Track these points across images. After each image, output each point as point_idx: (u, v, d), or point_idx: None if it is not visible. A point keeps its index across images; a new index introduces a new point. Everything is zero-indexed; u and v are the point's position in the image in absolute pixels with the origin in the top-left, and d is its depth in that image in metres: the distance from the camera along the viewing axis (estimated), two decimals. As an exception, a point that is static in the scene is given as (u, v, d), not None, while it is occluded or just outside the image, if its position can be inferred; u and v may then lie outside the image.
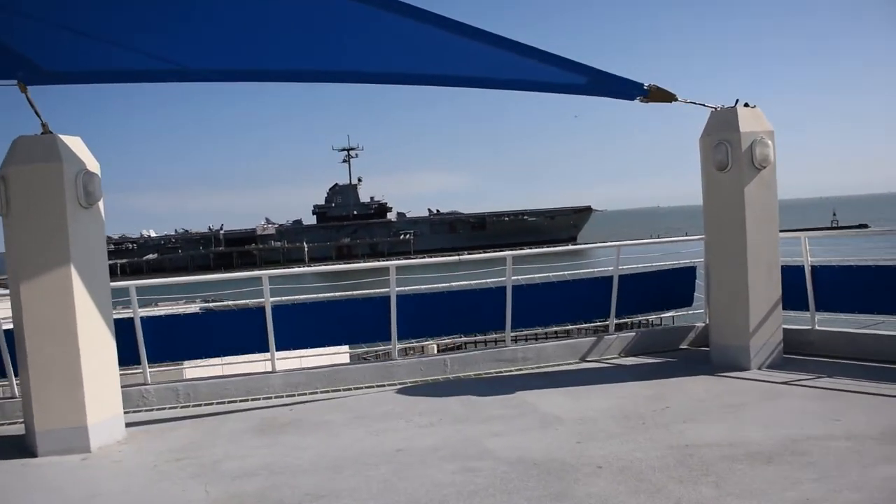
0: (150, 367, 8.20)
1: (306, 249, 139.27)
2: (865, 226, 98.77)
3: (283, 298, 8.74)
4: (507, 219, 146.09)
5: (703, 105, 8.18)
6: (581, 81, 7.47)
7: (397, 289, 8.60)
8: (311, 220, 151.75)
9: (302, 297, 9.01)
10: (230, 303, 9.30)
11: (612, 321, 9.53)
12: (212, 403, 8.13)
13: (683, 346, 9.66)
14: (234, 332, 8.46)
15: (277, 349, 8.37)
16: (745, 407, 6.75)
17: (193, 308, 21.79)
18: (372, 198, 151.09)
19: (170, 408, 8.07)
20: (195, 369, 8.97)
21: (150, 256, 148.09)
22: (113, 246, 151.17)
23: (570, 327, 9.87)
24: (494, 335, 9.69)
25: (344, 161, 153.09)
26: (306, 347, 8.79)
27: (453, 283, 9.27)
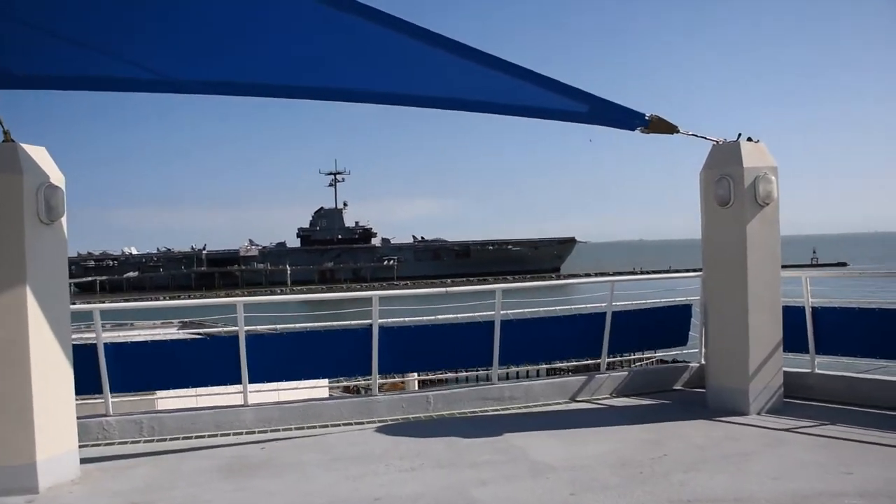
0: (113, 396, 7.67)
1: (289, 272, 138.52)
2: (844, 264, 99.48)
3: (259, 327, 8.24)
4: (491, 248, 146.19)
5: (705, 138, 7.86)
6: (582, 109, 7.15)
7: (380, 320, 8.18)
8: (294, 242, 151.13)
9: (279, 326, 8.47)
10: (204, 330, 8.84)
11: (604, 359, 9.09)
12: (178, 438, 7.59)
13: (678, 386, 9.26)
14: (204, 361, 7.95)
15: (251, 381, 7.90)
16: (747, 457, 6.33)
17: (171, 331, 21.26)
18: (357, 223, 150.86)
19: (132, 442, 7.51)
20: (168, 400, 8.39)
21: (131, 274, 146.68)
22: (94, 262, 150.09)
23: (560, 365, 9.48)
24: (480, 371, 9.24)
25: (330, 185, 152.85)
26: (281, 380, 8.31)
27: (439, 316, 8.74)
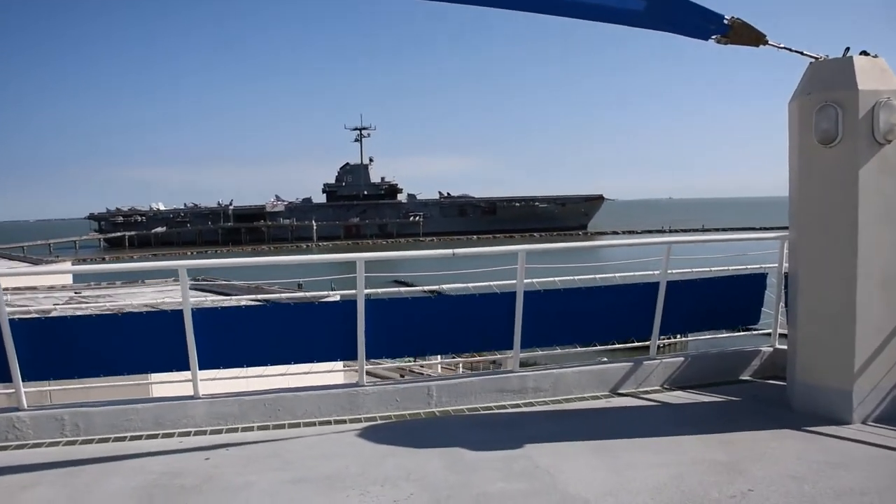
0: (28, 385, 6.02)
1: (315, 228, 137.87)
2: None
3: (211, 298, 6.53)
4: (517, 204, 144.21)
5: (801, 53, 5.88)
6: (639, 7, 5.22)
7: (367, 290, 6.45)
8: (320, 198, 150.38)
9: (239, 298, 6.78)
10: (135, 301, 7.10)
11: (655, 341, 7.23)
12: (108, 440, 5.93)
13: (745, 376, 7.40)
14: (143, 341, 6.19)
15: (203, 367, 6.22)
16: (869, 496, 4.46)
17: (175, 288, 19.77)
18: (383, 178, 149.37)
19: (49, 444, 5.87)
20: (104, 388, 6.65)
21: (159, 229, 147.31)
22: (122, 218, 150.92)
23: (598, 348, 7.59)
24: (497, 355, 7.38)
25: (356, 140, 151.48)
26: (242, 366, 6.45)
27: (444, 285, 7.31)
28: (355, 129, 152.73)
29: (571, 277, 7.02)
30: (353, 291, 6.32)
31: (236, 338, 6.29)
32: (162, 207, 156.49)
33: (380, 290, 6.94)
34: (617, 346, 7.55)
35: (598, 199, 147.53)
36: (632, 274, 7.46)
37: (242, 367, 6.43)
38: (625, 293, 7.25)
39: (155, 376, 6.68)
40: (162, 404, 6.22)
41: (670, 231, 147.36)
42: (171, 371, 6.47)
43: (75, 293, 16.63)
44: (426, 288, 6.96)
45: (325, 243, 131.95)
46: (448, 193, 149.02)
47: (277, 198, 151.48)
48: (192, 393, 6.26)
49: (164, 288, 18.20)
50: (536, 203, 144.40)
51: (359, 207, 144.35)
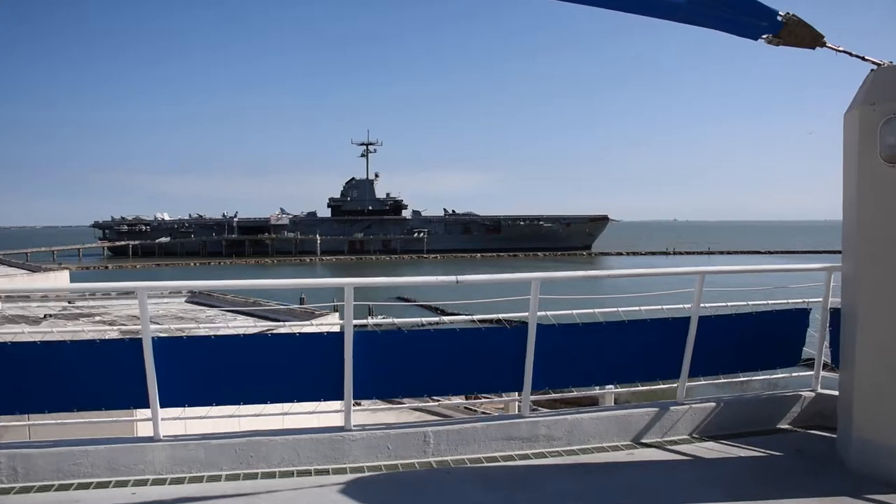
0: None
1: (319, 242, 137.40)
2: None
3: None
4: (522, 223, 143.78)
5: (862, 58, 5.09)
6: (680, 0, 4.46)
7: (362, 321, 5.60)
8: (325, 212, 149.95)
9: (211, 327, 6.01)
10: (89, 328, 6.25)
11: (684, 383, 6.34)
12: (50, 488, 5.09)
13: (783, 425, 6.55)
14: (96, 373, 5.31)
15: (165, 404, 5.36)
16: None
17: (178, 301, 19.01)
18: (388, 194, 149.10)
19: None
20: (48, 426, 5.81)
21: (163, 239, 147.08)
22: (127, 227, 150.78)
23: (618, 389, 6.73)
24: (504, 398, 6.55)
25: (362, 155, 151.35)
26: (208, 404, 5.59)
27: (446, 318, 6.37)
28: (362, 143, 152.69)
29: (592, 311, 6.14)
30: (341, 322, 5.48)
31: (205, 372, 5.40)
32: (167, 217, 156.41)
33: (370, 321, 6.04)
34: (636, 386, 6.73)
35: (602, 220, 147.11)
36: (658, 307, 6.45)
37: (211, 405, 5.58)
38: (651, 329, 6.25)
39: (110, 414, 5.62)
40: (116, 447, 5.35)
41: (674, 253, 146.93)
42: (129, 408, 5.59)
43: (69, 303, 15.99)
44: (425, 320, 6.26)
45: (328, 258, 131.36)
46: (453, 211, 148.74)
47: (282, 211, 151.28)
48: (151, 434, 5.42)
49: (162, 300, 17.56)
50: (541, 222, 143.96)
51: (363, 223, 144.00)
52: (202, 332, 5.57)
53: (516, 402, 6.17)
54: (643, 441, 6.17)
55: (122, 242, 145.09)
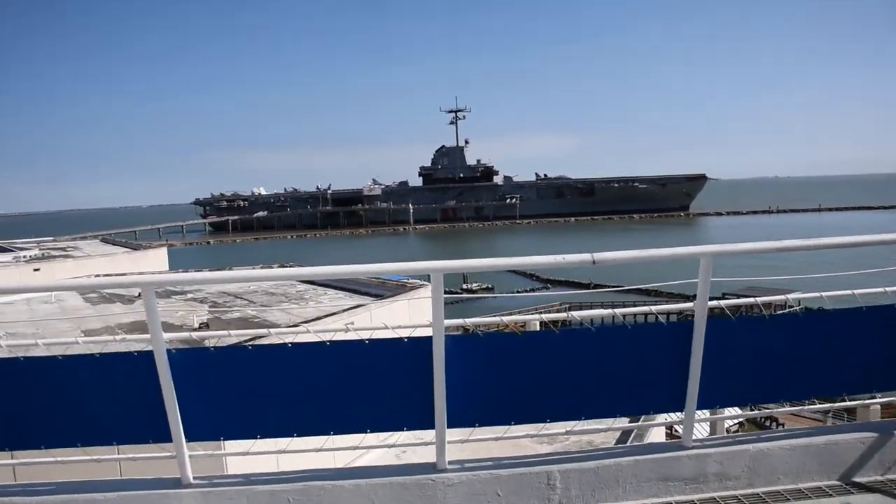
0: None
1: (412, 211, 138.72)
2: None
3: (212, 334, 4.49)
4: (616, 185, 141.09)
5: None
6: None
7: (450, 321, 4.02)
8: (417, 181, 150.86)
9: (244, 334, 4.71)
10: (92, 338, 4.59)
11: None
12: None
13: None
14: (101, 396, 4.02)
15: (193, 437, 4.05)
16: None
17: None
18: (478, 160, 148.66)
19: None
20: (48, 466, 4.22)
21: (260, 214, 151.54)
22: (226, 203, 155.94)
23: (812, 407, 4.97)
24: (656, 420, 5.35)
25: (451, 123, 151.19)
26: (250, 436, 4.16)
27: (574, 313, 4.44)
28: (451, 111, 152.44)
29: (783, 297, 4.40)
30: (426, 323, 3.97)
31: (244, 393, 4.03)
32: (263, 192, 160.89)
33: (468, 321, 4.46)
34: (837, 403, 4.94)
35: (700, 179, 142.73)
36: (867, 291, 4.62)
37: (255, 437, 4.14)
38: (871, 317, 4.41)
39: (122, 450, 4.23)
40: (131, 494, 4.01)
41: (778, 212, 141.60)
42: (147, 442, 4.07)
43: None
44: (546, 317, 4.64)
45: (421, 227, 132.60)
46: (545, 175, 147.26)
47: (374, 181, 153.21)
48: (178, 475, 4.08)
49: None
50: (636, 184, 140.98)
51: (455, 190, 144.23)
52: (234, 340, 4.37)
53: (673, 427, 4.23)
54: (857, 480, 4.45)
55: (222, 218, 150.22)
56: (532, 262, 4.03)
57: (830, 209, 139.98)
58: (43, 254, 25.65)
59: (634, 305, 48.40)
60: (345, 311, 10.32)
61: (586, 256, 3.80)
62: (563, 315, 4.40)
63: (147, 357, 3.81)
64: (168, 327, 11.41)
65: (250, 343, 4.15)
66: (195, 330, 10.52)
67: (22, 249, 27.17)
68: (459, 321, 4.33)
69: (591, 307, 48.28)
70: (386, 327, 4.04)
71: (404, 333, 3.99)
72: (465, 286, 59.85)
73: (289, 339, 3.98)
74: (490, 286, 60.84)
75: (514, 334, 4.15)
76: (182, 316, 11.21)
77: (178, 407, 3.91)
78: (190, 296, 14.13)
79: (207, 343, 4.17)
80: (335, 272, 4.23)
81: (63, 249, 28.44)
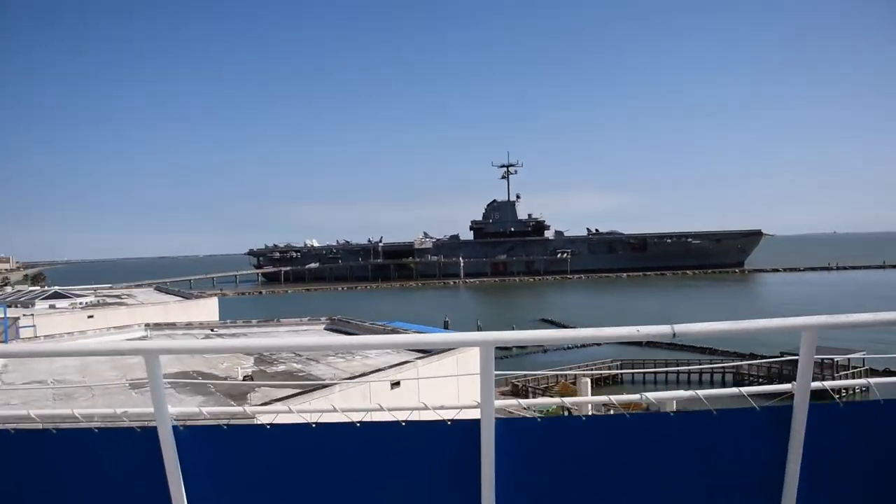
0: None
1: (462, 265, 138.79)
2: None
3: (219, 410, 3.98)
4: (669, 241, 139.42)
5: None
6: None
7: (500, 402, 3.33)
8: (467, 235, 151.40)
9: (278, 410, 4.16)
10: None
11: None
12: None
13: None
14: (95, 478, 3.31)
15: None
16: None
17: (317, 328, 19.07)
18: (529, 215, 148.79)
19: None
20: None
21: (312, 265, 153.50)
22: (279, 254, 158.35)
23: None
24: None
25: (503, 177, 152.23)
26: None
27: (649, 394, 3.51)
28: (502, 165, 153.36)
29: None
30: (475, 405, 3.22)
31: (258, 480, 3.34)
32: (316, 244, 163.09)
33: (524, 402, 3.70)
34: None
35: (756, 235, 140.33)
36: None
37: None
38: None
39: None
40: None
41: (838, 268, 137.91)
42: None
43: (212, 330, 16.61)
44: (616, 398, 3.62)
45: (471, 280, 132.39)
46: (596, 230, 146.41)
47: (426, 234, 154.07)
48: None
49: (300, 327, 17.87)
50: (689, 239, 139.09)
51: (506, 244, 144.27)
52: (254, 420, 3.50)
53: None
54: None
55: (275, 269, 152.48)
56: (599, 334, 3.16)
57: (895, 266, 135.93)
58: (98, 301, 26.10)
59: (699, 364, 46.98)
60: (392, 367, 10.08)
61: (665, 329, 3.07)
62: (635, 397, 3.62)
63: (150, 434, 3.20)
64: (214, 378, 11.44)
65: (268, 423, 3.32)
66: (240, 381, 10.40)
67: (79, 296, 27.72)
68: (513, 401, 3.61)
69: (643, 365, 47.56)
70: (426, 407, 3.38)
71: (448, 415, 3.29)
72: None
73: (313, 413, 3.36)
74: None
75: (578, 419, 3.31)
76: (227, 367, 11.11)
77: (184, 492, 3.27)
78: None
79: (219, 421, 3.46)
80: (374, 342, 3.58)
81: (118, 297, 28.92)
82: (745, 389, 3.33)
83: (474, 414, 3.16)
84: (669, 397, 3.58)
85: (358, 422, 3.24)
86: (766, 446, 3.27)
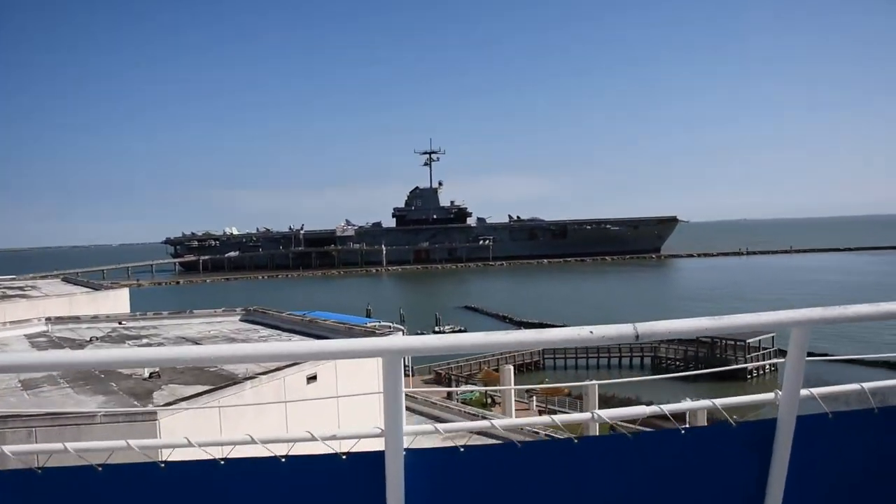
0: None
1: (384, 252, 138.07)
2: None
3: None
4: (588, 227, 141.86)
5: None
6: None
7: (411, 428, 2.52)
8: (390, 222, 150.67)
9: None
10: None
11: None
12: None
13: None
14: None
15: None
16: None
17: (233, 319, 18.28)
18: (452, 202, 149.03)
19: None
20: None
21: (232, 254, 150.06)
22: (197, 242, 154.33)
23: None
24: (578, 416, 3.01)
25: (425, 164, 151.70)
26: None
27: (599, 411, 2.64)
28: (425, 152, 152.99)
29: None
30: (377, 431, 2.44)
31: None
32: (235, 232, 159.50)
33: (441, 426, 2.60)
34: None
35: (671, 221, 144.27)
36: None
37: None
38: None
39: None
40: None
41: (748, 254, 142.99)
42: None
43: (119, 323, 15.77)
44: (560, 418, 2.71)
45: (394, 268, 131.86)
46: (518, 217, 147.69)
47: (347, 222, 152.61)
48: None
49: (213, 319, 17.25)
50: (608, 226, 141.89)
51: (428, 231, 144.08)
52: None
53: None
54: None
55: (193, 257, 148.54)
56: (542, 337, 2.38)
57: (801, 251, 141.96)
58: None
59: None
60: (308, 362, 9.67)
61: (626, 329, 2.40)
62: (584, 416, 2.77)
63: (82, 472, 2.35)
64: (118, 376, 10.81)
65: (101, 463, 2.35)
66: (145, 379, 9.82)
67: (-26, 290, 26.19)
68: (429, 427, 2.60)
69: (565, 351, 47.94)
70: (312, 437, 2.44)
71: (345, 446, 2.48)
72: (436, 328, 59.13)
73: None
74: (463, 328, 60.22)
75: (512, 445, 2.53)
76: (132, 365, 10.47)
77: None
78: (145, 340, 13.41)
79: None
80: (266, 353, 2.24)
81: (21, 289, 27.46)
82: (719, 402, 2.71)
83: (378, 444, 2.41)
84: (628, 415, 2.82)
85: (222, 459, 2.41)
86: (744, 469, 2.72)
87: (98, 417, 6.08)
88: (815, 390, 2.76)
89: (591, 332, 2.37)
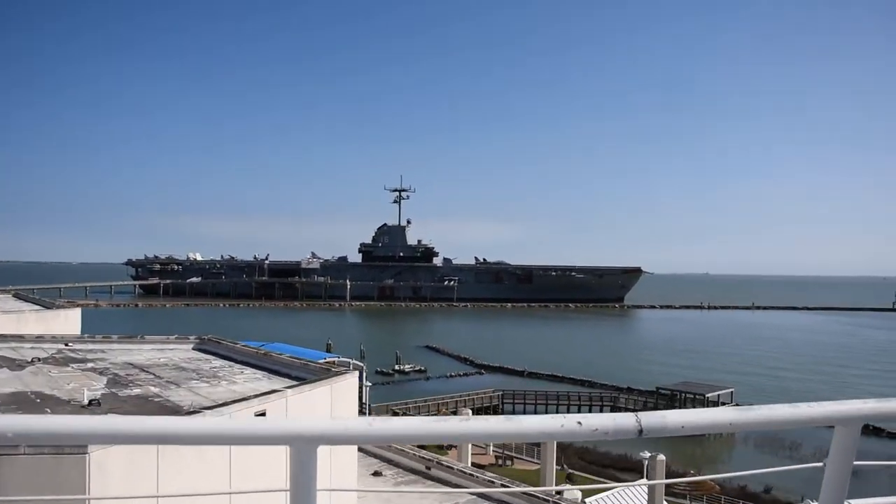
0: None
1: (349, 287, 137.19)
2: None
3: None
4: (553, 273, 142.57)
5: None
6: None
7: None
8: (356, 257, 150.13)
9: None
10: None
11: None
12: None
13: None
14: None
15: None
16: None
17: (185, 347, 17.82)
18: (419, 241, 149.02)
19: None
20: None
21: (194, 279, 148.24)
22: (159, 266, 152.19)
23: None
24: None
25: (395, 202, 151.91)
26: None
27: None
28: (395, 189, 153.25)
29: None
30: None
31: None
32: (199, 258, 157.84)
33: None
34: None
35: (635, 272, 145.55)
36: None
37: None
38: None
39: None
40: None
41: (710, 308, 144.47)
42: None
43: (65, 345, 15.16)
44: None
45: (357, 303, 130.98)
46: (484, 259, 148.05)
47: (313, 255, 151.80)
48: None
49: (165, 346, 16.72)
50: (573, 273, 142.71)
51: (394, 269, 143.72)
52: None
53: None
54: None
55: (154, 281, 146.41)
56: (500, 430, 1.89)
57: (763, 308, 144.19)
58: (-59, 309, 23.84)
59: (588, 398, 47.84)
60: (257, 396, 9.31)
61: (627, 422, 1.90)
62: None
63: None
64: (55, 402, 10.27)
65: None
66: (83, 407, 9.39)
67: (-78, 303, 25.26)
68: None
69: (524, 396, 47.83)
70: None
71: None
72: (397, 367, 58.56)
73: None
74: (423, 368, 59.67)
75: None
76: (73, 389, 10.03)
77: None
78: (91, 365, 12.87)
79: None
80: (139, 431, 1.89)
81: (-32, 305, 26.56)
82: None
83: None
84: None
85: None
86: None
87: (22, 448, 5.62)
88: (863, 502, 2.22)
89: (580, 422, 1.89)
